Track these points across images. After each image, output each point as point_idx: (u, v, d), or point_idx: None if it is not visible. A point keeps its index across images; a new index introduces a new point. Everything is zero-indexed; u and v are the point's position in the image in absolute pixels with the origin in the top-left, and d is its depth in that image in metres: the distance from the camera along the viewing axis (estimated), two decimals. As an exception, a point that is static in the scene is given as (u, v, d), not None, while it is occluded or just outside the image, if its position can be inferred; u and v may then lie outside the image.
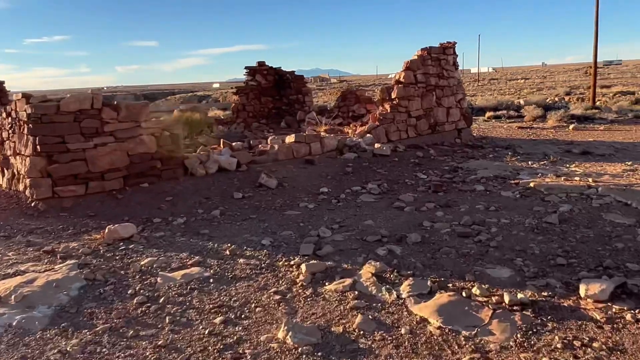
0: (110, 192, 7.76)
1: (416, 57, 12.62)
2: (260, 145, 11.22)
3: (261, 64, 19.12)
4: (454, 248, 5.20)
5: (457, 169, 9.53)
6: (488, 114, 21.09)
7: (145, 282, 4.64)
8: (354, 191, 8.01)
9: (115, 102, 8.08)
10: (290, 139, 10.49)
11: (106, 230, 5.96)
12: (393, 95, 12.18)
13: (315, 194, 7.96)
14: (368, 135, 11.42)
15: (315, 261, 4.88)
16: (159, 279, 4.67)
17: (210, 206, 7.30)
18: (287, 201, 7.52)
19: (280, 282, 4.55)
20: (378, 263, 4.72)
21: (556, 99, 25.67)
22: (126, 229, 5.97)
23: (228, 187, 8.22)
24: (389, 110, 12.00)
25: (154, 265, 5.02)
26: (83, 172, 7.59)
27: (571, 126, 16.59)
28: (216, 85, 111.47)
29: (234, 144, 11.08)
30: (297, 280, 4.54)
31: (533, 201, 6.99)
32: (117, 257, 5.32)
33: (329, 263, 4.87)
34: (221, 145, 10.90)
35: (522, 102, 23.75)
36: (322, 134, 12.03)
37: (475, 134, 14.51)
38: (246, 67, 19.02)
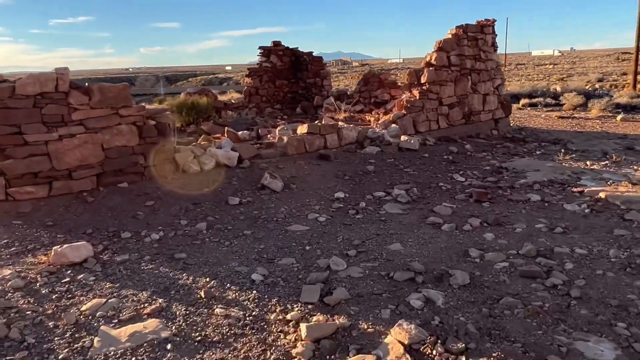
0: (79, 194, 6.38)
1: (450, 37, 10.93)
2: (269, 136, 9.75)
3: (276, 43, 17.51)
4: (519, 298, 3.66)
5: (501, 169, 7.92)
6: (523, 101, 19.38)
7: (76, 346, 3.21)
8: (376, 198, 6.51)
9: (87, 85, 6.65)
10: (302, 129, 8.99)
11: (52, 253, 4.57)
12: (423, 80, 10.55)
13: (328, 200, 6.48)
14: (393, 125, 9.84)
15: (321, 317, 3.41)
16: (96, 341, 3.25)
17: (197, 215, 5.88)
18: (292, 210, 6.06)
19: (269, 353, 3.08)
20: (412, 325, 3.21)
21: (597, 85, 23.71)
22: (78, 251, 4.56)
23: (224, 189, 6.79)
24: (417, 97, 10.39)
25: (98, 314, 3.59)
26: (45, 170, 6.22)
27: (619, 117, 14.85)
28: (228, 68, 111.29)
29: (240, 133, 9.63)
30: (293, 352, 3.07)
31: (609, 219, 5.40)
32: (54, 296, 3.91)
33: (342, 320, 3.38)
34: (225, 135, 9.46)
35: (558, 88, 21.88)
36: (340, 122, 10.50)
37: (511, 124, 12.83)
38: (260, 47, 17.44)
